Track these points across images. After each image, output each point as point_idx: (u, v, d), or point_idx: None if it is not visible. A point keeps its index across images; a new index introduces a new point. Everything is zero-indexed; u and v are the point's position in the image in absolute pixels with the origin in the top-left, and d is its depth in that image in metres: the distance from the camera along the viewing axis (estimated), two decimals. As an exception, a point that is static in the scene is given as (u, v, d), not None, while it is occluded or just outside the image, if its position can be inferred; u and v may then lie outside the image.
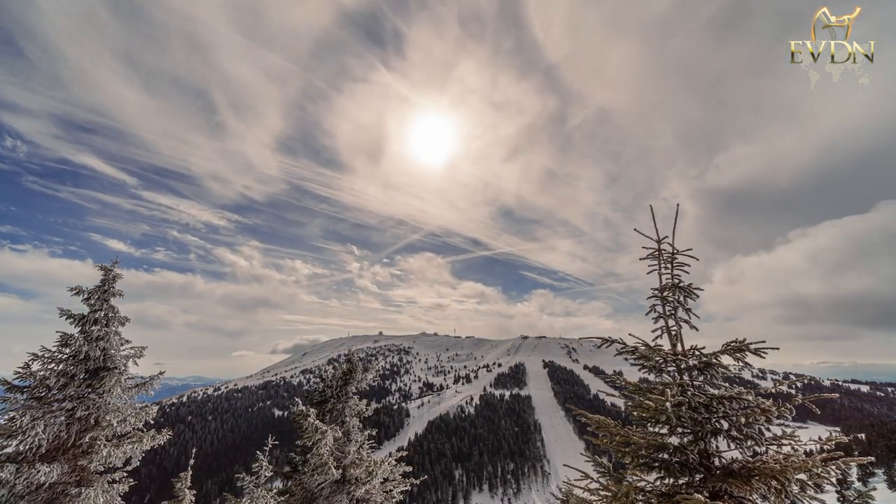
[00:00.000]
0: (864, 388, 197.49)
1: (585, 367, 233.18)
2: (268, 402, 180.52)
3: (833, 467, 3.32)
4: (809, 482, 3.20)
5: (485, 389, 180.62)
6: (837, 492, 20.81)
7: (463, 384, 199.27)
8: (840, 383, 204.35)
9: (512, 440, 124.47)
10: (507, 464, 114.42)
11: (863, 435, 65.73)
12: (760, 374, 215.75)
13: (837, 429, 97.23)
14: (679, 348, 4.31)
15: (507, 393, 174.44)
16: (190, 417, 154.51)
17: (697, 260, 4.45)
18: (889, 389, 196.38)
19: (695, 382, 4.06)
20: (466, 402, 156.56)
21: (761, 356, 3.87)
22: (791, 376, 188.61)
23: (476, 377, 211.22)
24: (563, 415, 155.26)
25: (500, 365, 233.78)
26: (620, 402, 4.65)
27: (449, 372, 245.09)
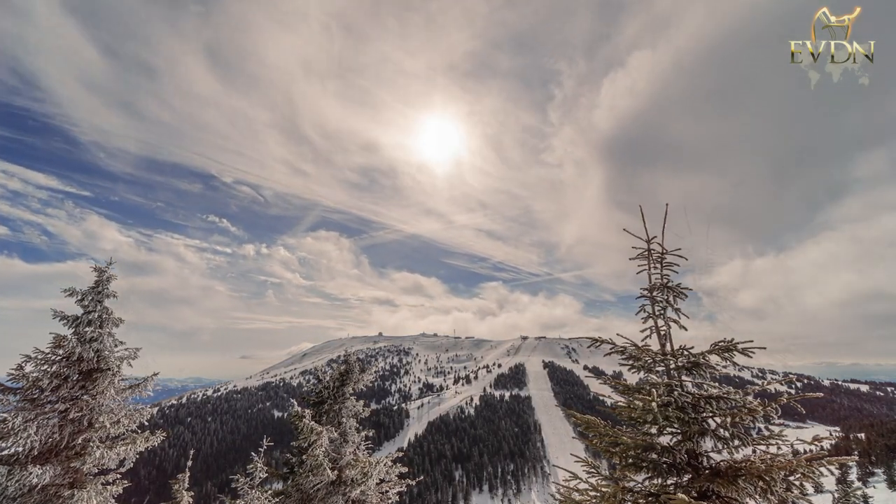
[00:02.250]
0: (864, 388, 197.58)
1: (585, 368, 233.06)
2: (267, 404, 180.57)
3: (823, 467, 3.32)
4: (795, 482, 3.20)
5: (485, 390, 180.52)
6: (835, 492, 20.85)
7: (463, 385, 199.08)
8: (840, 383, 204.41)
9: (512, 441, 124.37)
10: (507, 464, 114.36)
11: (862, 434, 65.88)
12: (760, 374, 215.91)
13: (837, 428, 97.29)
14: (668, 348, 4.31)
15: (507, 393, 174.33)
16: (189, 419, 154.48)
17: (686, 260, 4.45)
18: (889, 389, 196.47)
19: (684, 382, 4.07)
20: (466, 403, 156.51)
21: (748, 355, 3.87)
22: (790, 376, 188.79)
23: (476, 378, 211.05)
24: (563, 415, 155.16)
25: (499, 366, 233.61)
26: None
27: (449, 373, 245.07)
